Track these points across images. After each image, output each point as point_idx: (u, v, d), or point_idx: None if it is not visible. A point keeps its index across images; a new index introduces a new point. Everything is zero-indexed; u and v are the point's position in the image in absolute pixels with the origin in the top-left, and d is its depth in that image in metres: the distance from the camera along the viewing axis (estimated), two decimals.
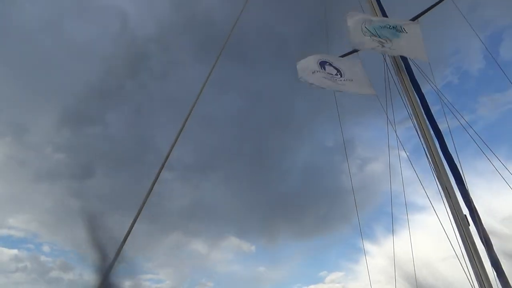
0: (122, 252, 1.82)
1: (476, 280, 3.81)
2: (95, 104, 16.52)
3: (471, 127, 4.89)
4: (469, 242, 3.99)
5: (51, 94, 16.59)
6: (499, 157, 4.63)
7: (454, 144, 4.68)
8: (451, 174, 4.53)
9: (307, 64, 5.48)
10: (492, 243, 4.13)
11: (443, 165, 4.53)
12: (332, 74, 5.46)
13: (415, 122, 4.88)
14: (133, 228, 2.20)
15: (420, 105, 5.01)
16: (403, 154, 5.33)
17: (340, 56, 5.93)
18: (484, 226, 4.19)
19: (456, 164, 4.59)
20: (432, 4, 5.46)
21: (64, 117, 16.03)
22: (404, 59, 5.37)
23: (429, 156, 4.61)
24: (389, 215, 5.48)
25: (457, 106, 5.04)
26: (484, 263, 3.87)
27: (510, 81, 5.17)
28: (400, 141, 5.25)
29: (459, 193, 4.37)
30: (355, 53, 5.83)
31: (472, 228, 4.12)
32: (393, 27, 5.21)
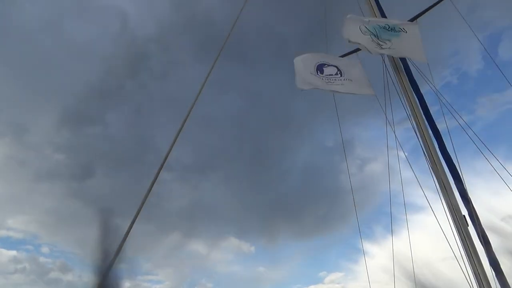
0: (122, 253, 1.82)
1: (475, 280, 3.82)
2: (95, 104, 16.55)
3: (469, 127, 4.91)
4: (468, 242, 4.00)
5: (51, 94, 16.60)
6: (498, 157, 4.64)
7: (452, 144, 4.70)
8: (450, 175, 4.54)
9: (304, 66, 5.47)
10: (491, 243, 4.14)
11: (442, 166, 4.54)
12: (332, 74, 5.47)
13: (414, 122, 4.90)
14: (132, 228, 2.21)
15: (419, 105, 5.03)
16: (402, 154, 5.35)
17: (340, 56, 5.94)
18: (483, 226, 4.21)
19: (455, 164, 4.60)
20: (431, 4, 5.47)
21: (64, 117, 16.05)
22: (403, 59, 5.38)
23: (427, 157, 4.62)
24: (389, 215, 5.49)
25: (456, 106, 5.06)
26: (482, 262, 3.89)
27: (508, 81, 5.19)
28: (398, 142, 5.27)
29: (458, 193, 4.38)
30: (355, 54, 5.85)
31: (471, 228, 4.14)
32: (392, 28, 5.22)
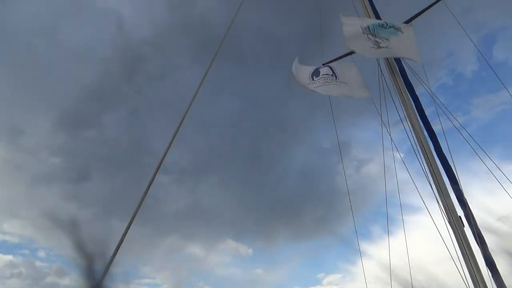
0: (117, 257, 1.81)
1: (471, 280, 3.84)
2: (91, 107, 16.49)
3: (464, 128, 4.94)
4: (464, 243, 4.02)
5: (47, 97, 16.53)
6: (493, 158, 4.67)
7: (448, 145, 4.72)
8: (446, 176, 4.56)
9: (301, 75, 5.50)
10: (487, 243, 4.16)
11: (437, 167, 4.56)
12: (328, 75, 5.49)
13: (409, 123, 4.92)
14: (128, 231, 2.20)
15: (414, 106, 5.05)
16: (397, 155, 5.38)
17: (335, 59, 5.97)
18: (479, 227, 4.23)
19: (450, 165, 4.62)
20: (425, 7, 5.50)
21: (60, 120, 15.98)
22: (397, 61, 5.40)
23: (423, 158, 4.64)
24: (385, 216, 5.50)
25: (450, 107, 5.09)
26: (478, 263, 3.91)
27: (502, 82, 5.23)
28: (394, 143, 5.29)
29: (454, 194, 4.40)
30: (350, 56, 5.87)
31: (467, 228, 4.16)
32: (391, 25, 5.20)
